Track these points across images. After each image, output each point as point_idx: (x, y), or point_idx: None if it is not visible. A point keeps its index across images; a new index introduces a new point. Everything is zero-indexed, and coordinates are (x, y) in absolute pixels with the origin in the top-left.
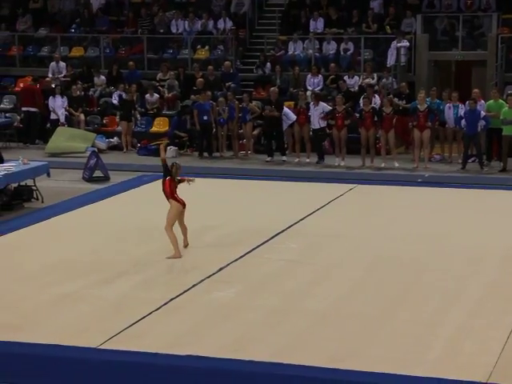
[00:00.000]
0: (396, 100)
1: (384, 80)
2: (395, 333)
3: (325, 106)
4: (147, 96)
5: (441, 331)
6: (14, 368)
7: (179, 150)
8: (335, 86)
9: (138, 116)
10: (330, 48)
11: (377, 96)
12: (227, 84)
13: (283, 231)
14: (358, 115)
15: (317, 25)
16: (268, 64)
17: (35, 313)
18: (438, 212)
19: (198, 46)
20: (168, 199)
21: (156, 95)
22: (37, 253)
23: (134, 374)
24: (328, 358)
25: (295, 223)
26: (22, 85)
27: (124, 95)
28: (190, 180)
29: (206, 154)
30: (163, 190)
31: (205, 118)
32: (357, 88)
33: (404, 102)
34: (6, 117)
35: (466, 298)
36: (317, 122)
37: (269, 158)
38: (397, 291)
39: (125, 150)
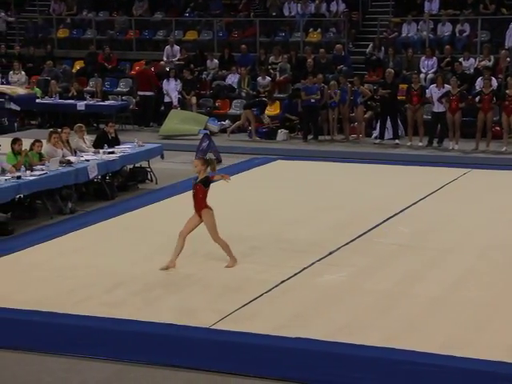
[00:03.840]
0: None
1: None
2: (509, 319)
3: (449, 88)
4: (259, 79)
5: None
6: (125, 346)
7: (290, 133)
8: (450, 69)
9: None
10: (445, 30)
11: (493, 78)
12: (339, 67)
13: (395, 215)
14: (477, 98)
15: (432, 6)
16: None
17: (149, 292)
18: None
19: (311, 29)
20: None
21: (268, 78)
22: (151, 234)
23: (244, 354)
24: (440, 344)
25: (407, 207)
26: (137, 68)
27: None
28: (226, 177)
29: (310, 137)
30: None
31: (312, 100)
32: (472, 70)
33: None
34: (122, 100)
35: None
36: (440, 105)
37: (378, 141)
38: (511, 277)
39: (252, 138)
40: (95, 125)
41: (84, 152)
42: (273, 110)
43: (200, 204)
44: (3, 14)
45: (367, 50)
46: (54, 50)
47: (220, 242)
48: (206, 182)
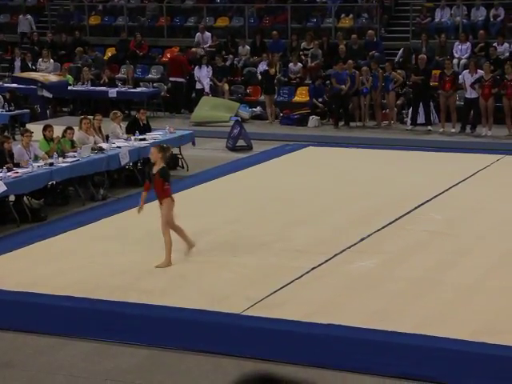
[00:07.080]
0: None
1: None
2: None
3: (482, 74)
4: (290, 65)
5: None
6: (157, 332)
7: (321, 119)
8: (483, 54)
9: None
10: (479, 14)
11: None
12: (371, 53)
13: (427, 202)
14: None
15: None
16: None
17: (180, 278)
18: None
19: (342, 15)
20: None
21: (299, 64)
22: (183, 221)
23: (275, 341)
24: (472, 332)
25: (439, 194)
26: (168, 55)
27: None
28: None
29: (341, 124)
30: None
31: (336, 88)
32: (507, 55)
33: None
34: (153, 87)
35: None
36: (472, 91)
37: (410, 127)
38: None
39: (269, 121)
40: (127, 112)
41: (119, 138)
42: (303, 96)
43: (160, 195)
44: (30, 16)
45: (396, 59)
46: (85, 36)
47: (167, 237)
48: (165, 174)
